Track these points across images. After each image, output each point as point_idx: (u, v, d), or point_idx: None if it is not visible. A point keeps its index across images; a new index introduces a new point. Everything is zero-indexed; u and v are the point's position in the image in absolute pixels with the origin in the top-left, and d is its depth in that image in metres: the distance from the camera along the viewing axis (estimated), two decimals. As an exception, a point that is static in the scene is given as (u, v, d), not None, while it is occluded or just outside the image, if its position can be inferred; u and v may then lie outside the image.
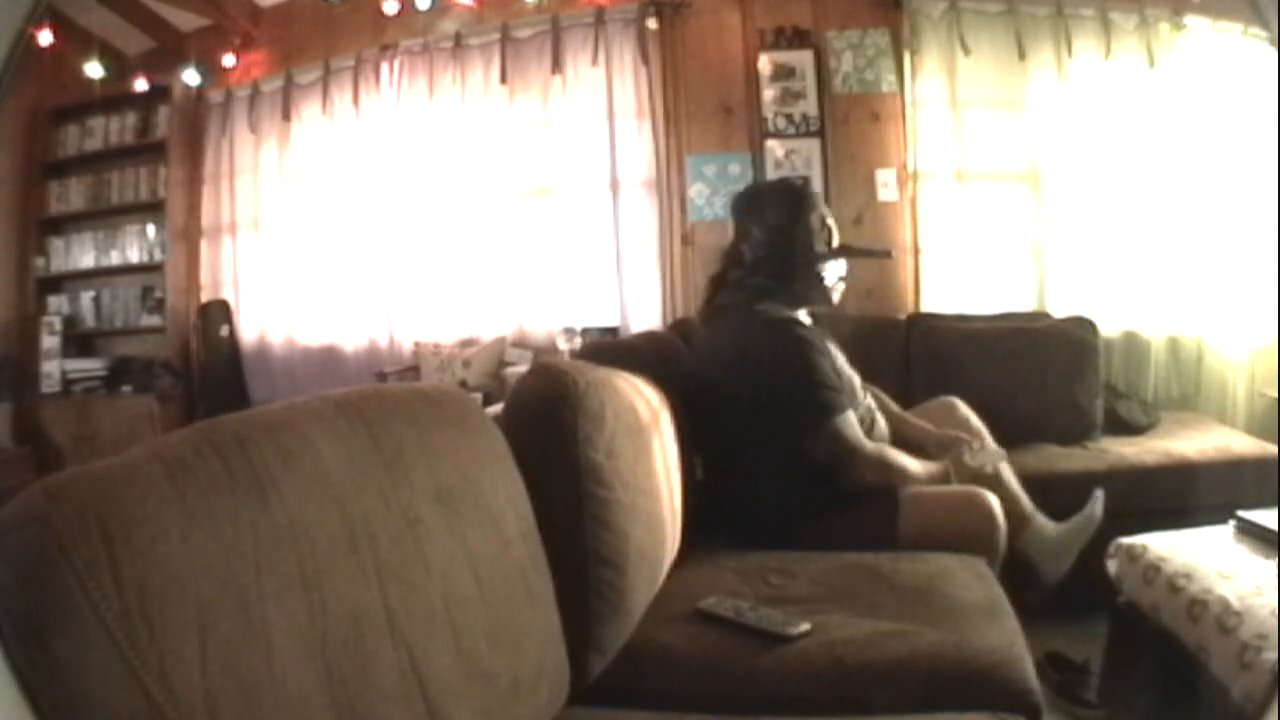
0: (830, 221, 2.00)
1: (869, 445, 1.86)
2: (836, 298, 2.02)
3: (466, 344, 3.99)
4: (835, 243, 2.00)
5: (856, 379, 2.01)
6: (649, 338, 2.46)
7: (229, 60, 4.41)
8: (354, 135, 4.20)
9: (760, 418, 1.85)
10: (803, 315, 1.97)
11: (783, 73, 3.65)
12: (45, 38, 3.67)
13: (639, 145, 3.79)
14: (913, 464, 1.89)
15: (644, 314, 3.78)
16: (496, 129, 3.96)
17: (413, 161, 4.10)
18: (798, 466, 1.83)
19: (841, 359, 1.99)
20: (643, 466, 1.46)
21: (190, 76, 4.37)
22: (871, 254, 2.38)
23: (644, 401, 1.59)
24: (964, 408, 2.23)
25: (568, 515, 1.25)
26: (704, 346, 2.06)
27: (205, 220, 4.52)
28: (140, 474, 0.65)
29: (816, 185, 3.54)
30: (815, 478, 1.83)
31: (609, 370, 1.51)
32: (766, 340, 1.87)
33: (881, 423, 2.02)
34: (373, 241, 4.19)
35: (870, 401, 2.02)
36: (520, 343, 3.95)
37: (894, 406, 2.17)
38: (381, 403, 0.98)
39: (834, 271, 1.99)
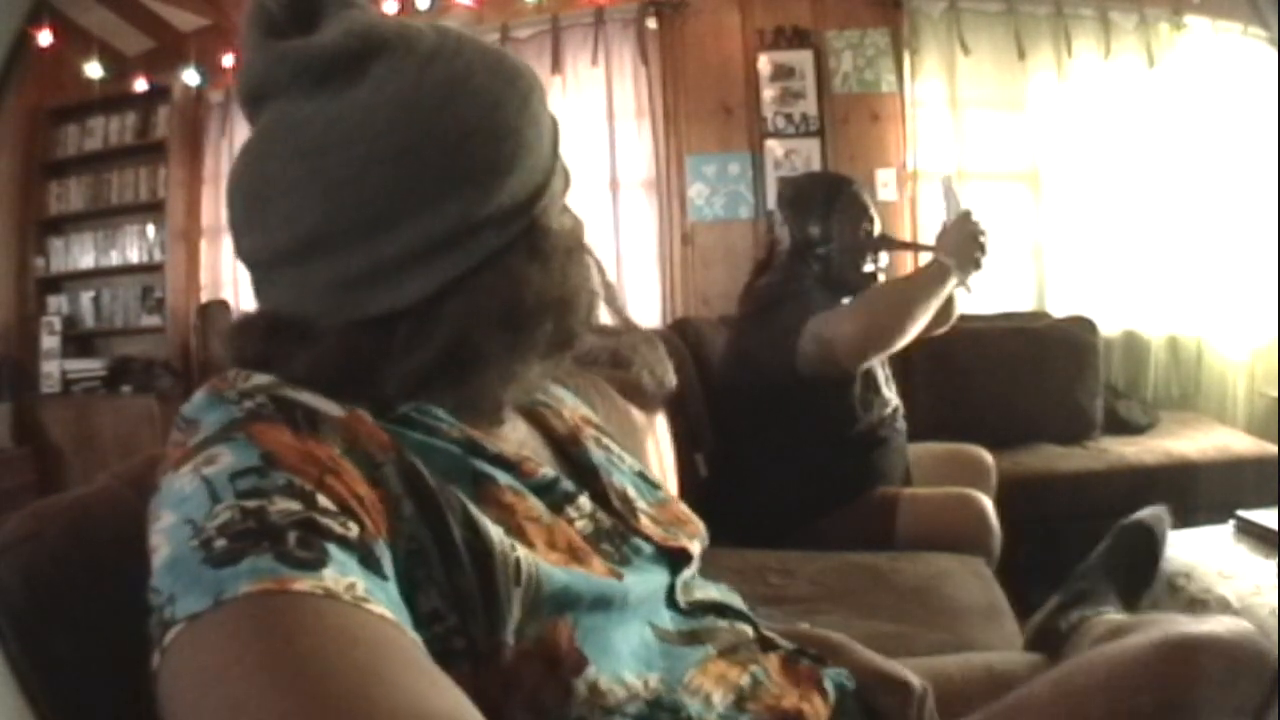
0: (873, 212, 1.99)
1: (842, 309, 1.80)
2: None
3: (466, 344, 3.99)
4: (877, 233, 2.00)
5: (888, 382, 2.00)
6: (648, 338, 2.46)
7: (229, 60, 4.40)
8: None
9: (762, 394, 1.85)
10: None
11: (782, 73, 3.65)
12: (45, 38, 3.67)
13: (639, 145, 3.79)
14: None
15: (644, 314, 3.77)
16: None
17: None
18: (799, 462, 1.83)
19: None
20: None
21: (190, 76, 4.37)
22: (912, 247, 2.36)
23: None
24: (988, 461, 2.10)
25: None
26: (731, 328, 2.10)
27: (205, 220, 4.52)
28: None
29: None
30: (816, 474, 1.83)
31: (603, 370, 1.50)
32: (781, 309, 1.87)
33: (902, 425, 1.99)
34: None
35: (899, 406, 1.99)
36: (520, 343, 3.95)
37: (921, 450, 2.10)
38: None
39: (874, 261, 1.99)
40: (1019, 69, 3.50)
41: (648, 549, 0.68)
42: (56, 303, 4.54)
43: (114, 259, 4.53)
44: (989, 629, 1.38)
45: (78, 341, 4.52)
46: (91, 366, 4.40)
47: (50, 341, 4.42)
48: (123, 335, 4.53)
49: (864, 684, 0.77)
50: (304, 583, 0.43)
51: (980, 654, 1.06)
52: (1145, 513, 1.32)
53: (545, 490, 0.64)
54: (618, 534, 0.67)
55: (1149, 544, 1.30)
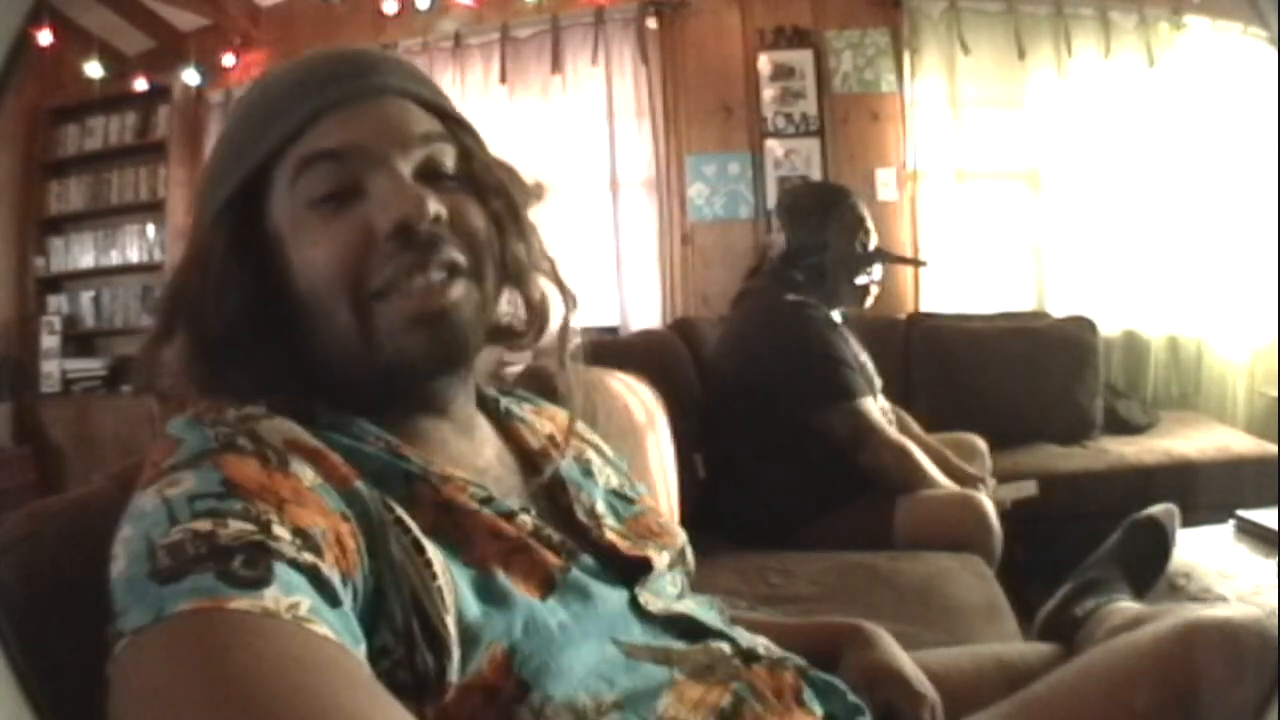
0: (869, 224, 2.01)
1: (892, 431, 1.85)
2: (870, 301, 2.03)
3: (466, 344, 3.99)
4: (873, 245, 2.01)
5: (878, 382, 2.00)
6: (647, 337, 2.46)
7: (229, 60, 4.41)
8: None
9: (766, 406, 1.85)
10: (835, 315, 1.97)
11: (782, 72, 3.65)
12: (45, 38, 3.67)
13: (639, 145, 3.79)
14: (934, 469, 1.87)
15: (643, 314, 3.78)
16: (496, 128, 3.96)
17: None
18: (799, 462, 1.83)
19: (865, 356, 1.99)
20: (636, 466, 1.46)
21: (190, 76, 4.37)
22: (905, 261, 2.37)
23: (639, 402, 1.59)
24: (982, 446, 2.20)
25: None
26: (725, 331, 2.10)
27: (205, 220, 4.52)
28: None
29: (816, 185, 3.54)
30: (815, 475, 1.83)
31: (602, 370, 1.50)
32: (785, 320, 1.88)
33: (907, 424, 2.00)
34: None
35: (890, 414, 2.01)
36: (520, 343, 3.94)
37: (917, 428, 2.11)
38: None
39: (868, 274, 1.99)
40: (1019, 68, 3.51)
41: (595, 566, 0.67)
42: (56, 302, 4.54)
43: (114, 259, 4.53)
44: (989, 628, 1.38)
45: (78, 341, 4.52)
46: (91, 366, 4.40)
47: (50, 341, 4.42)
48: (123, 335, 4.52)
49: (880, 680, 0.78)
50: (242, 601, 0.44)
51: (990, 645, 1.06)
52: (1156, 509, 1.33)
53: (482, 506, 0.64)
54: (566, 550, 0.66)
55: (1160, 539, 1.31)
